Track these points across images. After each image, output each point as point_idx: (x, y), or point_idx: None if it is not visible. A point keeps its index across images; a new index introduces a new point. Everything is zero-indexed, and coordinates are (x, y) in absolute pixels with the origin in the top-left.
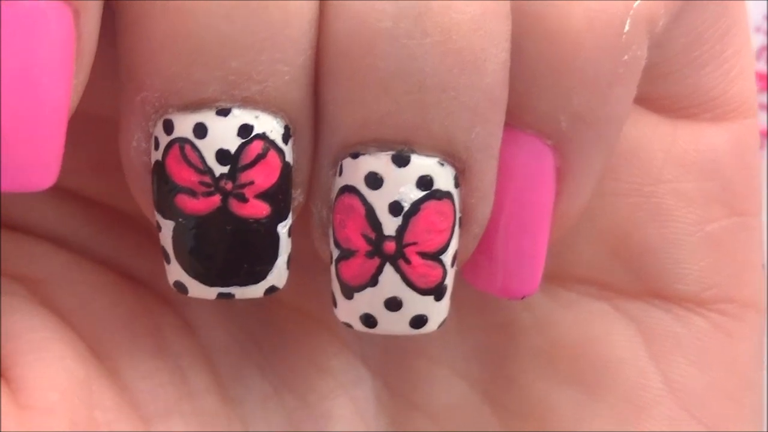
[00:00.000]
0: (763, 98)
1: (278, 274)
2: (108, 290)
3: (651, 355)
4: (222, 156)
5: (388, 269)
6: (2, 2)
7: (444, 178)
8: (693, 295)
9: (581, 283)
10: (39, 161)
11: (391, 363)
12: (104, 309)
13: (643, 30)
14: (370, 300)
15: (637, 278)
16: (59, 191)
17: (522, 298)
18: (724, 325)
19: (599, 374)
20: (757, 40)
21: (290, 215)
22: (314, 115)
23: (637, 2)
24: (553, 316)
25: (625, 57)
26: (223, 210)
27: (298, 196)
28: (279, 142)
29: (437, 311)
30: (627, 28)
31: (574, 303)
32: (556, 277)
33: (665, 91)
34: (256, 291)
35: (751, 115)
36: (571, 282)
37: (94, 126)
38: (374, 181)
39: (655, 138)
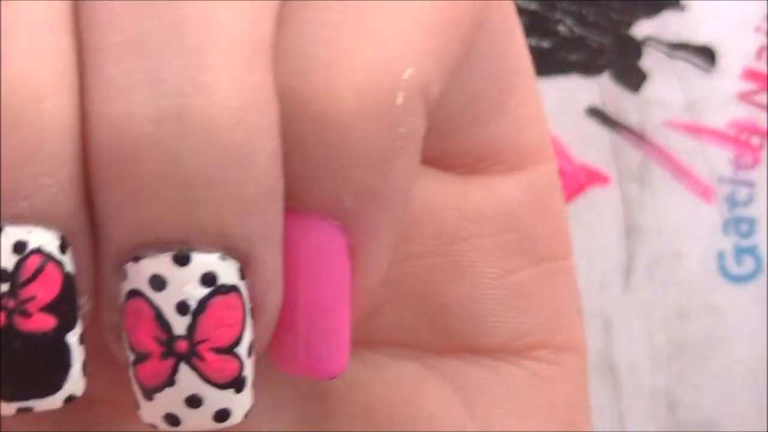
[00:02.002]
0: (763, 98)
1: (74, 383)
2: None
3: (467, 409)
4: (0, 275)
5: (184, 368)
6: None
7: (227, 273)
8: (503, 345)
9: (390, 345)
10: None
11: None
12: None
13: (418, 99)
14: (170, 400)
15: (444, 336)
16: None
17: (332, 378)
18: (540, 372)
19: None
20: (757, 40)
21: (78, 323)
22: (91, 222)
23: (407, 72)
24: (365, 380)
25: (402, 130)
26: (9, 328)
27: (85, 303)
28: (56, 254)
29: (240, 403)
30: (400, 101)
31: (384, 365)
32: (365, 342)
33: (452, 149)
34: (54, 402)
35: (546, 160)
36: (379, 345)
37: None
38: (158, 283)
39: (447, 198)
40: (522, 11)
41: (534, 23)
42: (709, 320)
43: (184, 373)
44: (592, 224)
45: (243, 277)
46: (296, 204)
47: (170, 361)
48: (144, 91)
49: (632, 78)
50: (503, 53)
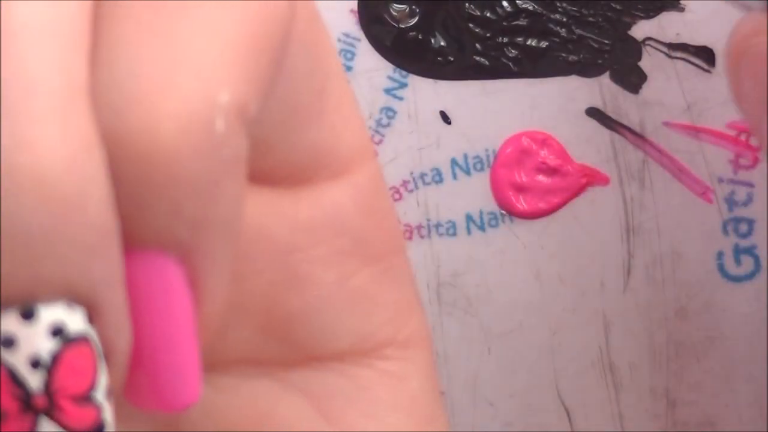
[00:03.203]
0: None
1: None
2: None
3: (324, 417)
4: None
5: (45, 422)
6: None
7: (76, 321)
8: (351, 349)
9: (238, 365)
10: None
11: None
12: None
13: (237, 121)
14: None
15: (291, 348)
16: None
17: (186, 409)
18: (390, 370)
19: None
20: None
21: None
22: None
23: (223, 95)
24: (219, 403)
25: (225, 154)
26: None
27: None
28: None
29: None
30: (219, 125)
31: (235, 387)
32: (213, 365)
33: (275, 163)
34: None
35: (367, 160)
36: (228, 367)
37: None
38: (8, 341)
39: (278, 213)
40: (522, 11)
41: (534, 23)
42: (708, 320)
43: (46, 427)
44: (592, 224)
45: (91, 322)
46: (132, 242)
47: (30, 417)
48: None
49: (632, 78)
50: (315, 59)
